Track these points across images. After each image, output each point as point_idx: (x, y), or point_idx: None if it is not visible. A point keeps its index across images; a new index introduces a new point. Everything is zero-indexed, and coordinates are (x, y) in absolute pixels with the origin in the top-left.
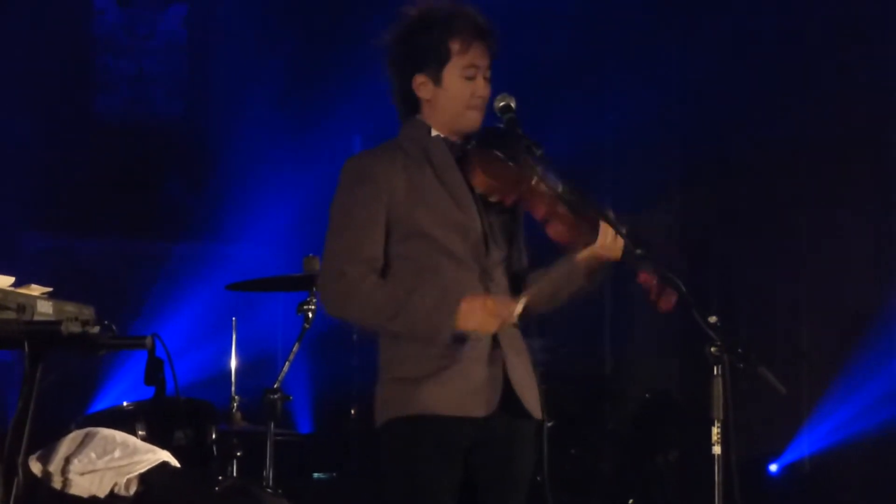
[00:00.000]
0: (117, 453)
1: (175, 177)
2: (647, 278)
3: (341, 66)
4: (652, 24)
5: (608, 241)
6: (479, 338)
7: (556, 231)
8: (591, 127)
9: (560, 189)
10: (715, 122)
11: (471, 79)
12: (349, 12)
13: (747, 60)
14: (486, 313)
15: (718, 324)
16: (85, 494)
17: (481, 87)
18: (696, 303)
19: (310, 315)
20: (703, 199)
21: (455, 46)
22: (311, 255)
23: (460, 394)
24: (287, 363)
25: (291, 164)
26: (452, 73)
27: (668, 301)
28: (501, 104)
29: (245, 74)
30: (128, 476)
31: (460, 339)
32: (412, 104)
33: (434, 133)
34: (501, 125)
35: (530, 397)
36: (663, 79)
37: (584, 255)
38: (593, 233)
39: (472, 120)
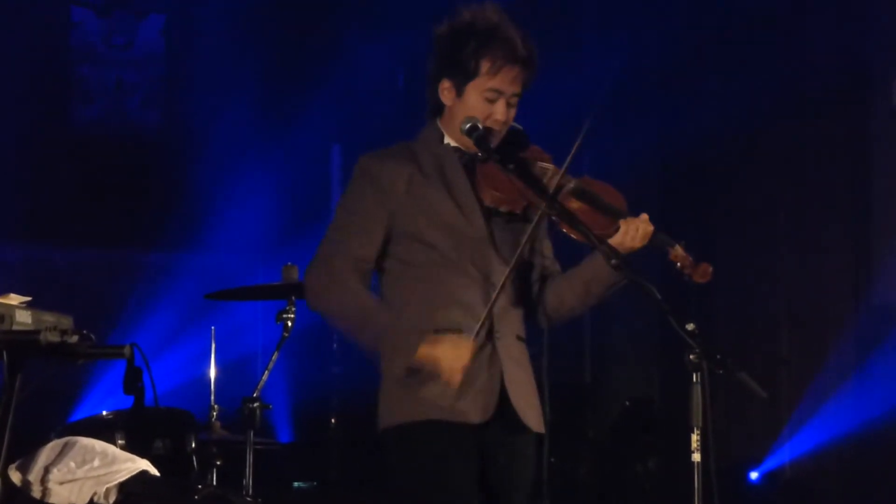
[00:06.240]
0: (96, 462)
1: (153, 186)
2: (677, 255)
3: (320, 75)
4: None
5: (630, 234)
6: (478, 345)
7: (567, 230)
8: (568, 135)
9: (572, 186)
10: (692, 129)
11: (491, 101)
12: (328, 22)
13: (724, 66)
14: (447, 355)
15: (697, 331)
16: (64, 503)
17: (499, 112)
18: (673, 310)
19: (289, 324)
20: (679, 207)
21: (485, 66)
22: (289, 263)
23: (456, 400)
24: (266, 372)
25: (269, 173)
26: (475, 90)
27: (705, 273)
28: (467, 126)
29: (223, 84)
30: (107, 485)
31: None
32: (436, 105)
33: (446, 141)
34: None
35: (528, 409)
36: (639, 86)
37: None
38: (610, 225)
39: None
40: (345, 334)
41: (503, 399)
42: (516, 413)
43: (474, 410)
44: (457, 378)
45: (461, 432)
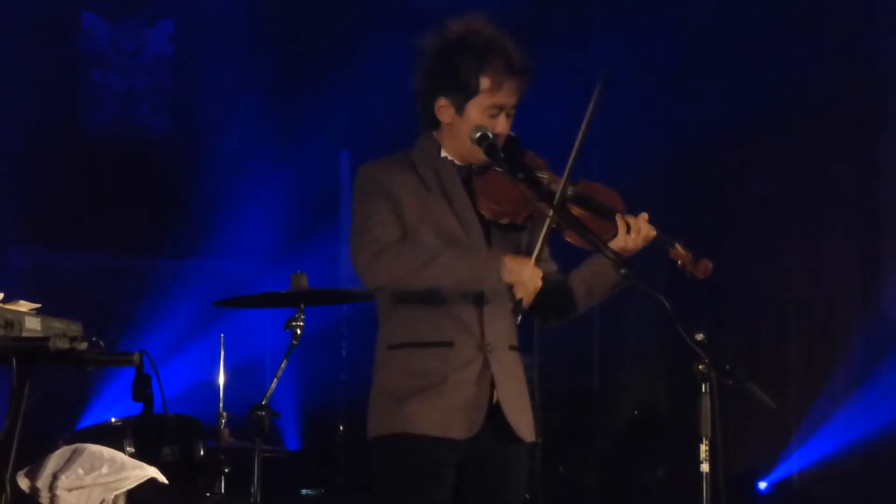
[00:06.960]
0: (105, 469)
1: (161, 192)
2: (677, 254)
3: (329, 81)
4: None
5: (632, 237)
6: (469, 358)
7: (572, 237)
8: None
9: (572, 193)
10: (697, 137)
11: (493, 117)
12: (337, 28)
13: (730, 65)
14: (525, 280)
15: (705, 341)
16: None
17: (501, 126)
18: (682, 320)
19: (298, 332)
20: (685, 215)
21: (485, 83)
22: (298, 271)
23: (441, 415)
24: (275, 379)
25: (278, 180)
26: (476, 108)
27: (706, 269)
28: (478, 135)
29: (232, 90)
30: (115, 492)
31: (451, 356)
32: (430, 120)
33: (443, 154)
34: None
35: (521, 420)
36: (645, 86)
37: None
38: (611, 228)
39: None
40: (410, 284)
41: (495, 410)
42: (509, 425)
43: (461, 427)
44: (530, 299)
45: (445, 448)
